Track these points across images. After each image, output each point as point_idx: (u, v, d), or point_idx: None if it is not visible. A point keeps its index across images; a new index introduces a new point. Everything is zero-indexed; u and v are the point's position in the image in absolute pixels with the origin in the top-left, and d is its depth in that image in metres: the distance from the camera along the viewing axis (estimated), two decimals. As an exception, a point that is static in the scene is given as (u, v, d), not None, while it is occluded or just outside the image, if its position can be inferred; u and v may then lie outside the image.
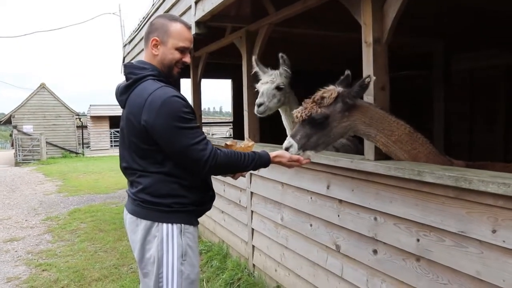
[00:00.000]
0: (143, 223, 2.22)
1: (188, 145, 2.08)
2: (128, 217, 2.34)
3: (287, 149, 2.48)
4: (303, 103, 2.54)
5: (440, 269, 2.22)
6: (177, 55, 2.27)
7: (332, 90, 2.48)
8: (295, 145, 2.46)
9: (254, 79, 3.93)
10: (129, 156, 2.26)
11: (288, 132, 3.79)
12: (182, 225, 2.24)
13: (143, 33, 7.21)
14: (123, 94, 2.27)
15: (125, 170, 2.33)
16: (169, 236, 2.20)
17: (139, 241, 2.24)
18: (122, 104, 2.30)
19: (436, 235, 2.22)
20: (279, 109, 3.85)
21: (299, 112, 2.50)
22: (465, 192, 2.03)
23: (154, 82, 2.18)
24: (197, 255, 2.36)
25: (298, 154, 2.46)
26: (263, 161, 2.36)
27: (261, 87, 3.69)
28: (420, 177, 2.22)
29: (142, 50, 3.76)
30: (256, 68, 3.84)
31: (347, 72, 2.57)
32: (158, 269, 2.19)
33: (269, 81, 3.63)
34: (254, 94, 4.42)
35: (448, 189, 2.11)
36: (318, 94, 2.50)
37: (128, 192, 2.37)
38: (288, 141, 2.49)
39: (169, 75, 2.31)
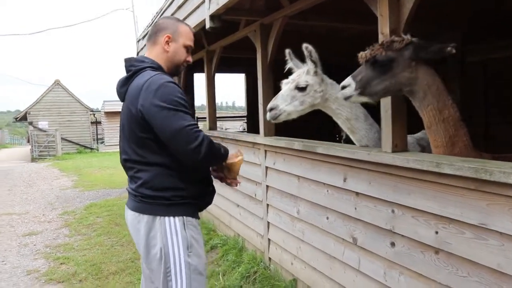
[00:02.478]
0: (145, 218, 2.23)
1: (182, 126, 2.08)
2: (129, 215, 2.34)
3: (343, 87, 2.49)
4: (371, 46, 2.49)
5: (459, 261, 2.20)
6: (185, 53, 2.40)
7: (404, 37, 2.43)
8: (353, 85, 2.45)
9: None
10: (129, 147, 2.27)
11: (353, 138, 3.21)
12: (184, 217, 2.25)
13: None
14: (123, 86, 2.33)
15: (125, 162, 2.33)
16: (173, 229, 2.21)
17: (143, 238, 2.24)
18: (122, 96, 2.35)
19: (456, 227, 2.20)
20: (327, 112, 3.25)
21: (364, 53, 2.48)
22: (485, 183, 2.00)
23: (152, 71, 2.24)
24: (202, 247, 2.37)
25: (352, 96, 2.47)
26: (227, 152, 2.39)
27: (283, 86, 3.17)
28: (439, 169, 2.20)
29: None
30: (290, 64, 3.31)
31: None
32: (165, 264, 2.20)
33: (290, 81, 3.12)
34: (270, 87, 4.42)
35: (468, 180, 2.09)
36: (389, 39, 2.46)
37: (128, 189, 2.38)
38: (348, 80, 2.49)
39: (175, 72, 2.43)
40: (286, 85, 3.12)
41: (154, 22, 2.57)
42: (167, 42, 2.35)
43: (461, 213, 2.16)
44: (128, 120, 2.24)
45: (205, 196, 2.41)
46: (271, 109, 3.04)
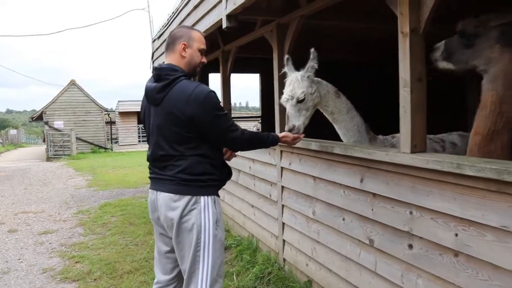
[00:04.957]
0: (185, 198, 2.59)
1: (226, 127, 2.64)
2: (162, 196, 2.66)
3: (434, 49, 2.81)
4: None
5: (480, 265, 2.15)
6: (200, 56, 2.75)
7: (499, 14, 2.50)
8: (442, 47, 2.76)
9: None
10: (167, 144, 2.62)
11: (344, 138, 3.60)
12: (215, 196, 2.71)
13: (172, 27, 7.26)
14: (160, 92, 2.60)
15: (162, 157, 2.66)
16: (206, 206, 2.61)
17: (178, 215, 2.58)
18: (158, 101, 2.62)
19: (476, 229, 2.16)
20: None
21: (459, 24, 2.67)
22: (508, 185, 1.96)
23: (189, 81, 2.64)
24: (223, 222, 2.83)
25: (438, 60, 2.84)
26: (275, 139, 3.01)
27: (285, 104, 3.41)
28: (460, 170, 2.16)
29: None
30: (285, 68, 3.56)
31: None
32: (197, 235, 2.57)
33: (288, 97, 3.35)
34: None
35: (490, 182, 2.05)
36: (485, 16, 2.56)
37: (157, 177, 2.71)
38: (439, 44, 2.79)
39: (192, 73, 2.77)
40: (288, 102, 3.36)
41: (169, 33, 2.82)
42: (184, 49, 2.68)
43: (482, 215, 2.12)
44: (170, 122, 2.58)
45: (226, 178, 2.85)
46: (290, 130, 3.28)
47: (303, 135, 3.23)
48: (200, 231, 2.58)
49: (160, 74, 2.63)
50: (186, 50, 2.69)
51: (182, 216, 2.58)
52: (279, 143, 3.16)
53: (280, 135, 3.11)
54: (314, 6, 3.78)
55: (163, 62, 2.77)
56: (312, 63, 3.34)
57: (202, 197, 2.61)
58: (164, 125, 2.62)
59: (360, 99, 3.78)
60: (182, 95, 2.54)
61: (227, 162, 2.93)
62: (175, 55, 2.71)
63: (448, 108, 7.66)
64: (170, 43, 2.73)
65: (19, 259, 5.60)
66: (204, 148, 2.62)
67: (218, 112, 2.59)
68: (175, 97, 2.56)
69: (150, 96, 2.67)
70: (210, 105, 2.55)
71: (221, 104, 2.67)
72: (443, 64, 2.84)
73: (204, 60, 2.80)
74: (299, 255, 4.12)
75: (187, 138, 2.59)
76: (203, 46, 2.76)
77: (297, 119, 3.31)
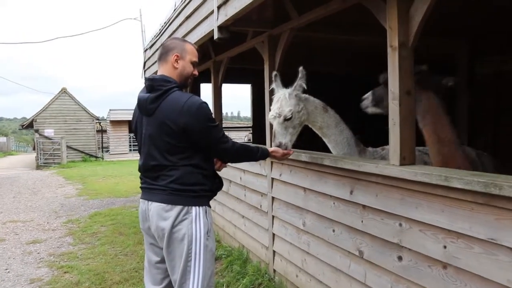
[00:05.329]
0: (176, 208, 2.61)
1: (218, 138, 2.68)
2: (154, 206, 2.66)
3: (362, 99, 3.17)
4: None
5: (468, 277, 2.17)
6: (191, 67, 2.80)
7: (418, 67, 2.88)
8: (370, 97, 3.17)
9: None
10: (160, 154, 2.65)
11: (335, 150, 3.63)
12: (206, 207, 2.72)
13: (164, 37, 7.27)
14: (153, 102, 2.63)
15: (154, 167, 2.69)
16: (197, 217, 2.63)
17: (169, 224, 2.59)
18: (151, 112, 2.65)
19: (464, 242, 2.18)
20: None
21: (382, 75, 2.96)
22: (495, 198, 1.98)
23: (181, 92, 2.68)
24: (214, 232, 2.86)
25: (368, 107, 3.25)
26: (264, 154, 3.04)
27: (273, 121, 3.42)
28: (448, 182, 2.18)
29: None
30: (273, 84, 3.56)
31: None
32: (188, 246, 2.59)
33: (276, 115, 3.34)
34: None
35: (477, 195, 2.07)
36: None
37: (149, 186, 2.73)
38: (367, 94, 3.17)
39: (184, 84, 2.79)
40: (275, 119, 3.36)
41: (162, 44, 2.86)
42: (176, 60, 2.72)
43: (470, 227, 2.13)
44: (162, 132, 2.61)
45: (217, 189, 2.87)
46: (279, 145, 3.29)
47: (292, 151, 3.27)
48: (191, 241, 2.59)
49: (153, 84, 2.65)
50: (178, 61, 2.73)
51: (173, 226, 2.59)
52: (269, 157, 3.17)
53: (270, 149, 3.13)
54: (305, 19, 3.81)
55: (156, 73, 2.80)
56: (301, 82, 3.36)
57: (193, 208, 2.63)
58: (157, 135, 2.64)
59: (351, 111, 3.80)
60: (175, 106, 2.57)
61: (217, 172, 2.95)
62: (167, 66, 2.74)
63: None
64: (163, 54, 2.77)
65: (6, 269, 5.54)
66: (196, 158, 2.65)
67: (210, 123, 2.63)
68: (168, 108, 2.59)
69: (143, 106, 2.68)
70: (203, 116, 2.59)
71: (212, 115, 2.71)
72: (373, 110, 3.25)
73: (196, 72, 2.84)
74: (289, 266, 4.11)
75: (179, 148, 2.61)
76: (195, 59, 2.81)
77: (283, 137, 3.32)
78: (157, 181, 2.68)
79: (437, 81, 3.01)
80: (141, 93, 2.73)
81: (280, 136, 3.33)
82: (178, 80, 2.72)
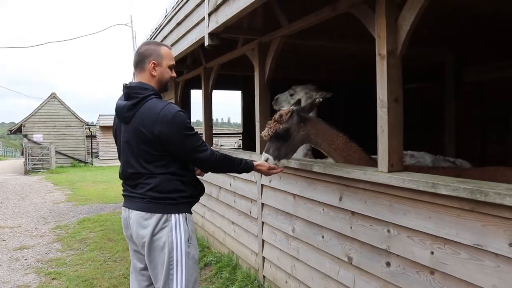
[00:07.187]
0: (155, 216, 2.59)
1: (195, 147, 2.62)
2: (134, 214, 2.66)
3: (266, 160, 3.09)
4: (266, 124, 3.19)
5: (455, 282, 2.20)
6: (169, 72, 2.76)
7: (288, 109, 3.20)
8: (271, 158, 3.10)
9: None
10: (137, 162, 2.63)
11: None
12: (186, 214, 2.69)
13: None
14: (130, 110, 2.61)
15: (131, 175, 2.68)
16: (177, 224, 2.61)
17: (149, 232, 2.57)
18: (128, 119, 2.63)
19: (451, 248, 2.21)
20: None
21: (266, 132, 3.13)
22: (481, 204, 2.02)
23: (158, 100, 2.64)
24: (196, 239, 2.82)
25: (275, 163, 3.08)
26: (248, 167, 2.96)
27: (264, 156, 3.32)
28: (435, 189, 2.22)
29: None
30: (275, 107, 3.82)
31: (293, 108, 3.27)
32: (169, 254, 2.57)
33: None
34: (267, 106, 4.48)
35: (463, 201, 2.11)
36: (276, 115, 3.19)
37: (129, 194, 2.72)
38: (264, 155, 3.11)
39: (163, 90, 2.77)
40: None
41: (137, 51, 2.80)
42: (154, 68, 2.68)
43: (456, 233, 2.17)
44: (139, 140, 2.59)
45: (198, 194, 2.84)
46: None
47: (282, 168, 3.17)
48: (172, 249, 2.58)
49: (130, 92, 2.63)
50: (156, 68, 2.69)
51: (153, 234, 2.58)
52: (253, 171, 3.05)
53: (255, 163, 3.04)
54: (295, 27, 3.85)
55: (133, 80, 2.77)
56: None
57: (173, 215, 2.61)
58: (133, 143, 2.62)
59: (341, 118, 3.84)
60: (151, 114, 2.55)
61: (199, 178, 2.93)
62: (145, 74, 2.70)
63: (424, 126, 7.82)
64: (140, 62, 2.71)
65: (-7, 276, 5.48)
66: (174, 166, 2.62)
67: (187, 132, 2.58)
68: (143, 116, 2.57)
69: (120, 114, 2.67)
70: (178, 124, 2.54)
71: (190, 123, 2.65)
72: (282, 163, 3.23)
73: (174, 74, 2.81)
74: (279, 272, 4.12)
75: (155, 156, 2.59)
76: (172, 62, 2.77)
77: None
78: (136, 189, 2.67)
79: (310, 107, 3.71)
80: (119, 100, 2.70)
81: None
82: (157, 87, 2.70)
